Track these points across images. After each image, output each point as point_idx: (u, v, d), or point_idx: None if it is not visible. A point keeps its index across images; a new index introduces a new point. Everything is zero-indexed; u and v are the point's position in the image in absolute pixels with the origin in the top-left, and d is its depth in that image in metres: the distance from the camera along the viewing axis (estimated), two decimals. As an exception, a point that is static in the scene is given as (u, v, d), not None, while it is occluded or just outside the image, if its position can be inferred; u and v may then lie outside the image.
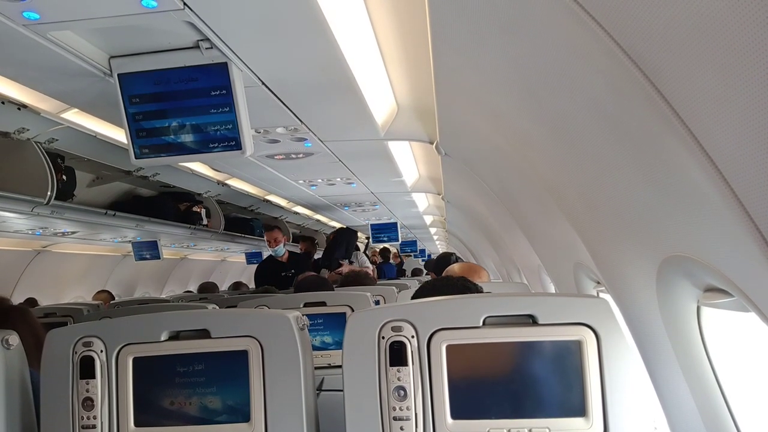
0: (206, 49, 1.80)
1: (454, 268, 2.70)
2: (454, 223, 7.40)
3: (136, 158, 2.06)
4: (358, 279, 3.50)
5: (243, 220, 6.69)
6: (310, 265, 5.66)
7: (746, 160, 0.73)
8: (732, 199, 0.79)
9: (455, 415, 1.15)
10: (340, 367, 1.20)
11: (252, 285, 6.15)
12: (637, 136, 1.04)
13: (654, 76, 0.83)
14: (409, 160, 4.29)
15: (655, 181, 1.09)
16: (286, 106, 2.43)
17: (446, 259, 4.06)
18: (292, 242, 6.71)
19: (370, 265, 6.70)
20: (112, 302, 5.03)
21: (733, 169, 0.77)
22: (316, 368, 1.34)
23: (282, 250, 5.22)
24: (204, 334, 1.27)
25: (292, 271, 5.14)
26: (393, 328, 1.17)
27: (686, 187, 0.96)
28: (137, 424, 1.26)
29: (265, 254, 6.34)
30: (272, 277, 5.09)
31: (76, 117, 2.82)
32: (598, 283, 2.16)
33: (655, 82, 0.83)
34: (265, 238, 5.32)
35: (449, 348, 1.15)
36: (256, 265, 6.07)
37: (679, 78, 0.78)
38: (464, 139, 2.68)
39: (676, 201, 1.04)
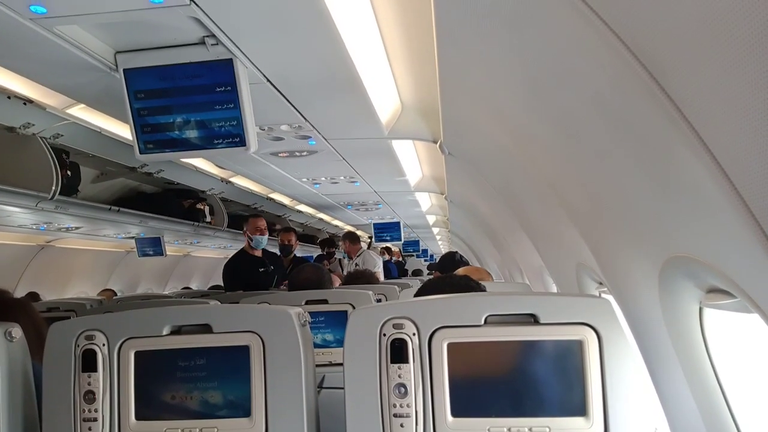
0: (212, 45, 1.81)
1: (459, 272, 2.70)
2: (457, 223, 7.40)
3: (140, 153, 2.07)
4: (362, 278, 3.50)
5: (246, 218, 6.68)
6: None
7: (751, 160, 0.72)
8: (736, 199, 0.78)
9: (456, 412, 1.14)
10: (341, 364, 1.19)
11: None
12: (642, 134, 1.03)
13: (658, 74, 0.82)
14: (413, 159, 4.29)
15: (659, 180, 1.09)
16: (291, 104, 2.44)
17: (451, 257, 4.04)
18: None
19: (379, 261, 6.37)
20: (114, 297, 5.04)
21: (737, 169, 0.77)
22: (317, 365, 1.34)
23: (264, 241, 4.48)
24: (206, 328, 1.27)
25: (272, 267, 4.49)
26: (394, 326, 1.17)
27: (690, 186, 0.95)
28: (138, 417, 1.26)
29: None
30: (248, 274, 4.32)
31: (81, 113, 2.83)
32: (600, 284, 2.15)
33: (659, 79, 0.82)
34: (260, 226, 4.43)
35: (450, 346, 1.15)
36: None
37: (684, 75, 0.78)
38: (468, 139, 2.67)
39: (679, 201, 1.04)
